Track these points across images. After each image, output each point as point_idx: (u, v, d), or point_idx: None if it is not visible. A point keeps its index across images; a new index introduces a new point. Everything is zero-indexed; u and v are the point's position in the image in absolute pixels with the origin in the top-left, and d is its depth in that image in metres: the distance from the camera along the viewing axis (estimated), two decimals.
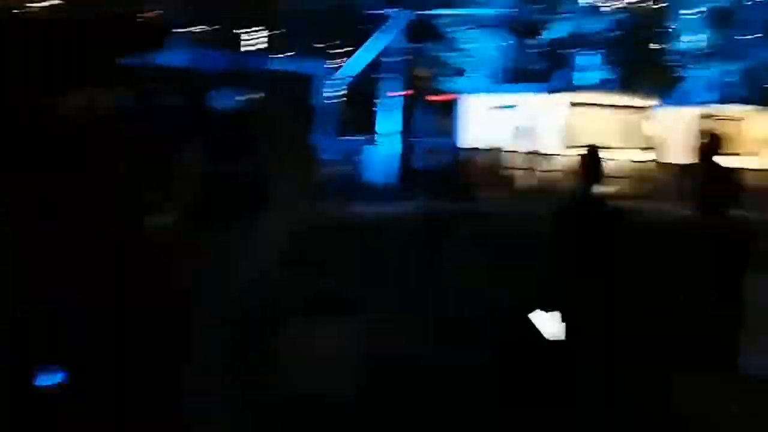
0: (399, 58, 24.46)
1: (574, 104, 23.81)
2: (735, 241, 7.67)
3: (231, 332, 4.76)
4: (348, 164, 22.91)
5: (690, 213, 8.03)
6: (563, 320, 5.73)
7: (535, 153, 22.41)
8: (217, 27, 24.16)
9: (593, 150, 6.30)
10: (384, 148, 23.66)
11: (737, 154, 25.04)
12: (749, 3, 31.02)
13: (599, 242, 5.70)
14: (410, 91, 30.82)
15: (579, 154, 6.51)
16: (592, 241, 5.72)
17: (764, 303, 6.57)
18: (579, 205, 6.01)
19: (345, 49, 30.49)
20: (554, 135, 23.51)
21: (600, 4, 26.90)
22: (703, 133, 19.60)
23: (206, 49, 20.58)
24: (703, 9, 28.88)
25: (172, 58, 14.02)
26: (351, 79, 27.47)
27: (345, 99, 31.00)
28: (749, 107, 29.17)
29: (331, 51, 32.97)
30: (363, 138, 25.90)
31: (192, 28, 23.73)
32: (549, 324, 5.94)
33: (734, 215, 8.15)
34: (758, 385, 6.17)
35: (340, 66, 28.84)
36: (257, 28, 23.38)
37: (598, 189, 6.17)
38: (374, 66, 27.34)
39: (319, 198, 13.15)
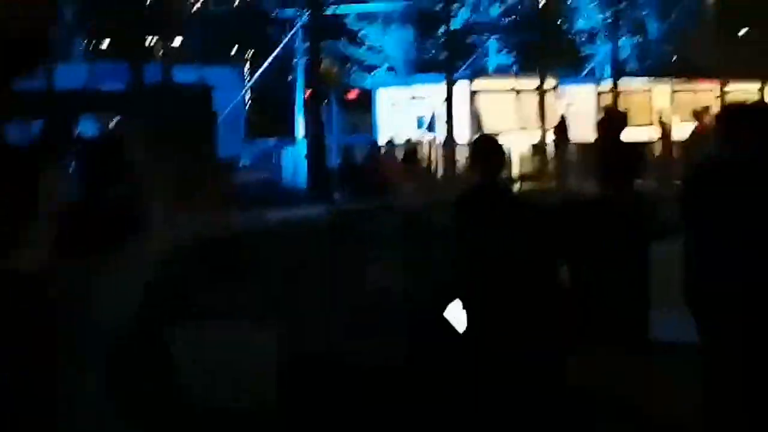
0: (306, 58, 24.36)
1: (479, 91, 24.11)
2: (635, 215, 7.84)
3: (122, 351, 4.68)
4: (261, 168, 22.76)
5: (592, 190, 8.14)
6: (466, 309, 5.75)
7: (446, 142, 22.57)
8: (110, 37, 23.64)
9: (485, 138, 6.32)
10: (297, 149, 23.58)
11: (644, 125, 25.94)
12: None
13: (499, 230, 5.72)
14: (320, 90, 30.77)
15: (471, 143, 6.54)
16: (492, 230, 5.73)
17: (664, 272, 6.70)
18: (477, 193, 5.99)
19: (251, 53, 30.28)
20: (462, 123, 23.75)
21: None
22: (605, 109, 20.11)
23: (97, 63, 20.15)
24: None
25: (55, 75, 13.56)
26: (259, 82, 27.31)
27: (255, 102, 30.83)
28: (651, 79, 29.98)
29: (236, 56, 32.70)
30: (276, 140, 25.79)
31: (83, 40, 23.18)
32: (458, 315, 5.97)
33: (635, 189, 8.34)
34: (663, 349, 6.32)
35: (248, 70, 28.63)
36: (156, 37, 22.97)
37: (497, 175, 6.13)
38: (282, 67, 27.22)
39: (230, 205, 13.03)
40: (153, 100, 12.44)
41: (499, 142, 6.27)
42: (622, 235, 7.68)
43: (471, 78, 24.49)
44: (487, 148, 6.11)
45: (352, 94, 31.44)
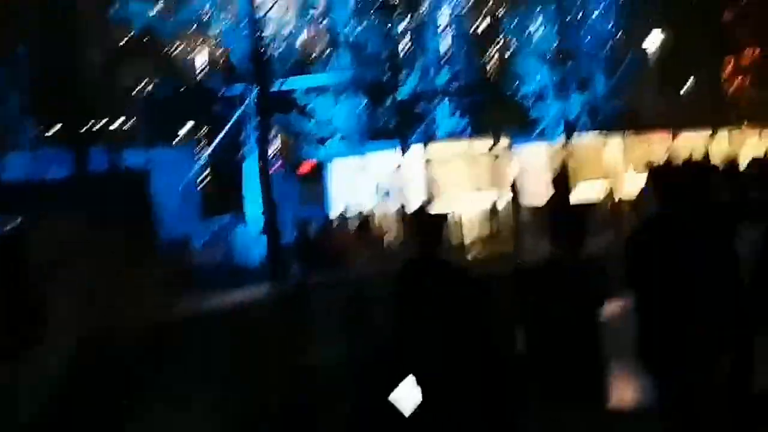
0: (256, 134, 24.13)
1: (432, 156, 24.03)
2: (587, 276, 7.63)
3: None
4: (215, 247, 22.36)
5: (547, 252, 7.97)
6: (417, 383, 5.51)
7: (401, 210, 22.37)
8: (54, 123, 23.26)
9: (422, 211, 6.10)
10: (251, 226, 23.23)
11: (597, 179, 26.03)
12: (588, 38, 32.38)
13: (436, 305, 5.46)
14: (274, 165, 30.61)
15: (410, 216, 6.32)
16: (429, 305, 5.47)
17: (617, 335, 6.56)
18: (416, 267, 5.76)
19: (202, 132, 30.10)
20: (416, 190, 23.60)
21: (445, 55, 27.41)
22: (556, 169, 20.09)
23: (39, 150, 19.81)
24: (546, 48, 29.85)
25: None
26: (211, 159, 27.06)
27: (208, 180, 30.54)
28: (603, 134, 30.23)
29: (187, 135, 32.52)
30: (229, 218, 25.44)
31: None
32: (407, 393, 5.65)
33: (587, 250, 8.15)
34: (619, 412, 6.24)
35: (200, 148, 28.42)
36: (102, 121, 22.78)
37: (435, 249, 5.87)
38: (233, 144, 27.00)
39: (176, 289, 12.65)
40: (86, 187, 12.11)
41: (438, 215, 6.12)
42: (573, 298, 7.45)
43: (423, 143, 24.42)
44: (424, 222, 5.92)
45: (306, 167, 31.29)
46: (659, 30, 35.08)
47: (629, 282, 4.75)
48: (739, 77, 41.44)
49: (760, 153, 25.33)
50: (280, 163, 28.45)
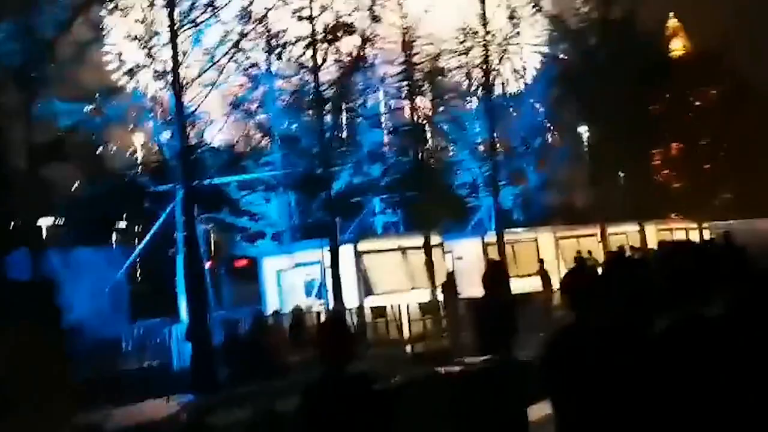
0: (185, 232, 23.60)
1: (365, 252, 23.83)
2: (511, 378, 7.42)
3: None
4: (144, 351, 21.55)
5: (467, 358, 7.75)
6: None
7: (334, 308, 21.95)
8: None
9: (330, 323, 5.73)
10: (182, 327, 22.49)
11: (531, 275, 26.01)
12: (522, 134, 32.97)
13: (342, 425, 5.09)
14: (206, 262, 30.07)
15: (317, 330, 5.95)
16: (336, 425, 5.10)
17: None
18: (323, 385, 5.32)
19: (132, 230, 29.49)
20: (350, 286, 23.29)
21: (377, 150, 27.50)
22: (488, 263, 19.95)
23: None
24: (478, 141, 30.19)
25: None
26: (140, 259, 26.43)
27: (138, 280, 29.79)
28: (535, 228, 30.47)
29: (118, 233, 31.91)
30: (160, 319, 24.68)
31: None
32: None
33: (513, 352, 7.94)
34: None
35: (127, 247, 27.78)
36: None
37: (345, 364, 5.40)
38: (164, 242, 26.46)
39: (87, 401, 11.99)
40: None
41: (348, 328, 5.73)
42: (497, 403, 7.21)
43: (356, 240, 24.24)
44: (331, 335, 5.45)
45: (238, 264, 30.83)
46: (588, 124, 35.90)
47: (546, 390, 4.55)
48: (666, 170, 42.52)
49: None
50: (210, 261, 27.91)
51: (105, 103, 22.49)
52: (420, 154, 26.87)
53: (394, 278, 24.50)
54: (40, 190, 22.88)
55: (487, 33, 27.58)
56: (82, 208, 27.98)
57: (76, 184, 27.65)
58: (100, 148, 27.23)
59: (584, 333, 4.40)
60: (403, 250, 24.96)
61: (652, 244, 29.18)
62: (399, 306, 21.89)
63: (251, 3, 22.47)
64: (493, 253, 26.64)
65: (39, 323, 10.35)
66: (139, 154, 25.02)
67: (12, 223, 21.29)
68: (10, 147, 20.83)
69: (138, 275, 29.66)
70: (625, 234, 30.95)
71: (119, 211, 29.90)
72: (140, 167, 25.85)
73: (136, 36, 20.86)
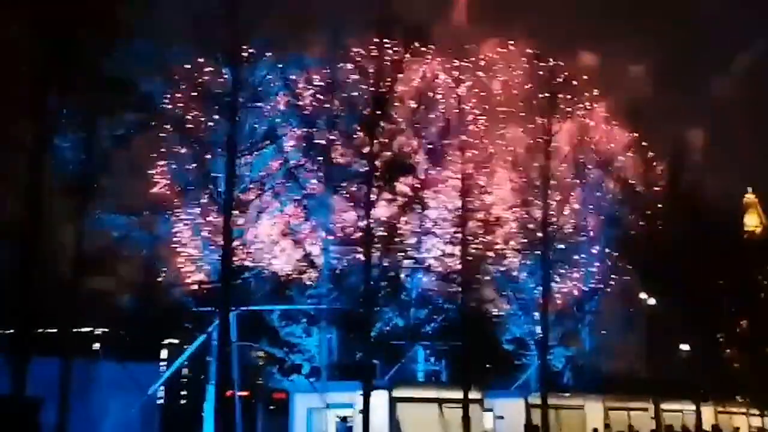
0: (225, 357, 22.93)
1: (398, 399, 22.79)
2: None
3: None
4: None
5: None
6: None
7: None
8: None
9: None
10: None
11: None
12: (575, 292, 31.85)
13: None
14: (243, 392, 29.21)
15: None
16: None
17: None
18: None
19: (168, 348, 29.02)
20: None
21: (425, 295, 26.75)
22: (527, 427, 18.63)
23: None
24: (530, 297, 29.08)
25: None
26: (172, 379, 25.83)
27: (169, 399, 29.09)
28: (584, 395, 28.97)
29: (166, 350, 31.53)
30: None
31: None
32: None
33: None
34: None
35: (163, 365, 27.25)
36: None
37: None
38: (199, 366, 25.91)
39: None
40: None
41: None
42: None
43: (391, 386, 23.17)
44: None
45: (277, 397, 29.83)
46: (649, 292, 34.60)
47: None
48: (731, 349, 40.54)
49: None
50: (244, 391, 27.11)
51: (155, 218, 22.42)
52: (468, 303, 25.95)
53: (429, 430, 23.35)
54: (84, 300, 22.67)
55: (548, 187, 27.13)
56: (124, 322, 27.76)
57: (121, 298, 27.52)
58: (147, 264, 27.07)
59: None
60: (440, 402, 23.83)
61: (707, 426, 27.42)
62: None
63: (312, 135, 22.62)
64: (536, 417, 25.30)
65: None
66: (184, 274, 24.73)
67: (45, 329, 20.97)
68: (59, 254, 20.77)
69: (171, 394, 28.98)
70: (681, 412, 29.22)
71: (161, 329, 29.57)
72: (185, 287, 25.49)
73: (194, 153, 21.02)
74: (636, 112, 33.27)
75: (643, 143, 33.57)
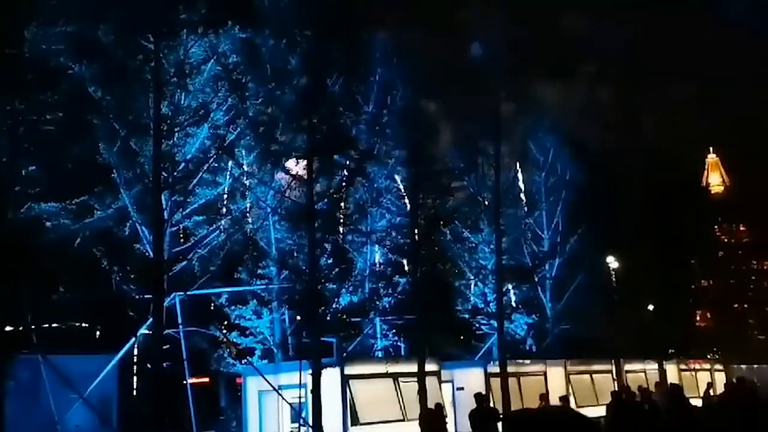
0: (163, 343, 22.10)
1: (351, 377, 22.07)
2: None
3: None
4: None
5: None
6: None
7: None
8: None
9: None
10: None
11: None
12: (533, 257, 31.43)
13: None
14: (203, 378, 28.52)
15: None
16: None
17: None
18: None
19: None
20: (337, 412, 21.51)
21: (376, 269, 26.09)
22: (476, 398, 18.01)
23: None
24: (486, 264, 28.38)
25: None
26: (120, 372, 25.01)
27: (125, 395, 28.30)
28: (546, 360, 28.49)
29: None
30: None
31: None
32: None
33: None
34: None
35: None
36: None
37: None
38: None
39: None
40: None
41: None
42: None
43: (342, 363, 22.42)
44: None
45: (240, 381, 29.16)
46: (610, 254, 34.24)
47: None
48: (701, 311, 40.37)
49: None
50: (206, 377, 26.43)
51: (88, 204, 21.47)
52: (422, 274, 25.25)
53: (385, 407, 22.65)
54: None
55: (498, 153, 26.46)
56: (66, 315, 26.90)
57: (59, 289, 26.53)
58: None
59: None
60: (396, 376, 23.13)
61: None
62: None
63: (245, 107, 21.67)
64: (497, 386, 24.73)
65: None
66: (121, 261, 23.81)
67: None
68: None
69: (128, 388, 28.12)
70: (644, 372, 28.86)
71: (106, 319, 28.69)
72: (125, 275, 24.58)
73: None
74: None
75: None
